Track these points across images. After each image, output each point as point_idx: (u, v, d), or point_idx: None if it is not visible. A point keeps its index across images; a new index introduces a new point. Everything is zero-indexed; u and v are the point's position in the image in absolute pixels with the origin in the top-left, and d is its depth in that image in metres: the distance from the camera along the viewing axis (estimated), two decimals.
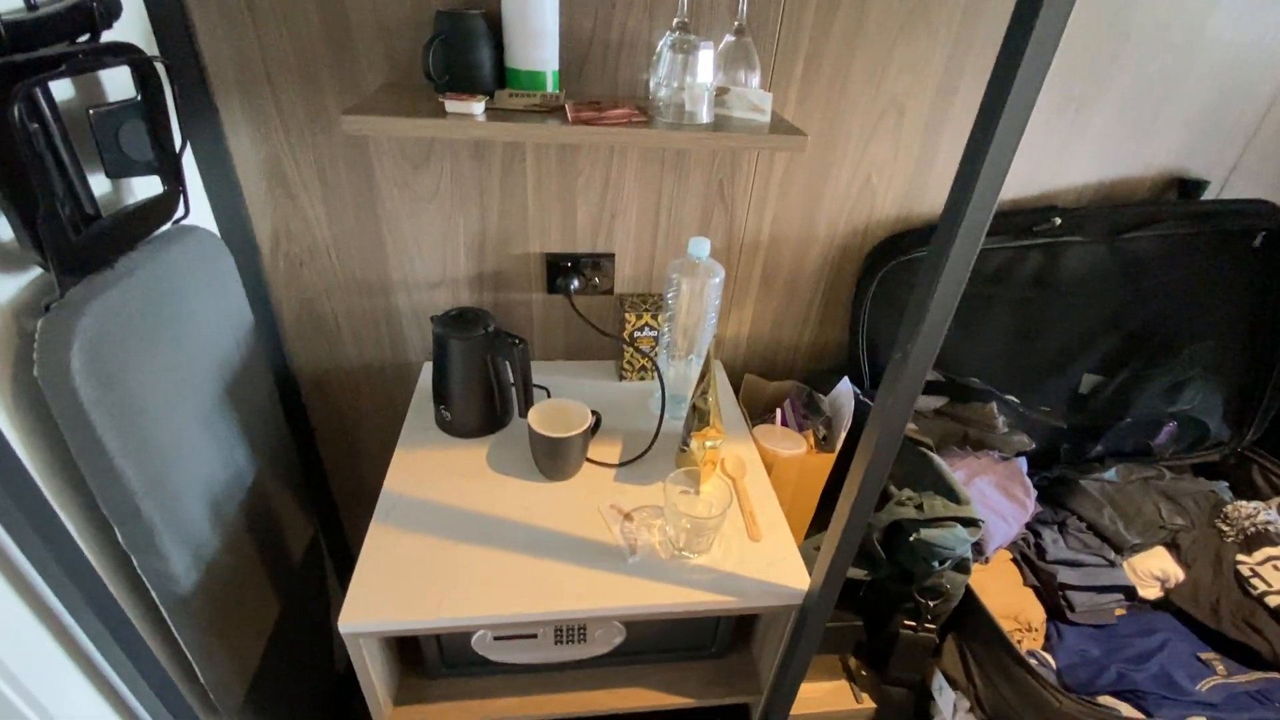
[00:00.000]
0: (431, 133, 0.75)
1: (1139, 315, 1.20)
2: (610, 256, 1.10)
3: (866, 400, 1.10)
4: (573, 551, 0.83)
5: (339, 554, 1.38)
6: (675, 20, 0.87)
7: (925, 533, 0.87)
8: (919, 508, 0.91)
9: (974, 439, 1.21)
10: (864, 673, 1.08)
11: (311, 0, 0.84)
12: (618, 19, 0.89)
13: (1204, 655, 1.00)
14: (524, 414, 0.98)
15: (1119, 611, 1.08)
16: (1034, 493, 1.13)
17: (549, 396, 1.09)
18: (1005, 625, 0.96)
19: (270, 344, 1.07)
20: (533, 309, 1.15)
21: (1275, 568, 1.03)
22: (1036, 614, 1.04)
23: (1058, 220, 1.10)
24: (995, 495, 1.11)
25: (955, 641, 0.99)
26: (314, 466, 1.25)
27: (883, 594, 0.99)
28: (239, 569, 0.87)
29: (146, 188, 0.78)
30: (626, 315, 1.07)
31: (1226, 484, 1.22)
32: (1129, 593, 1.07)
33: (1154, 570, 1.09)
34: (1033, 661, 0.91)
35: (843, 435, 1.05)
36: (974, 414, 1.21)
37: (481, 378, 0.96)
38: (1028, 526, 1.13)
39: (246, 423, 0.91)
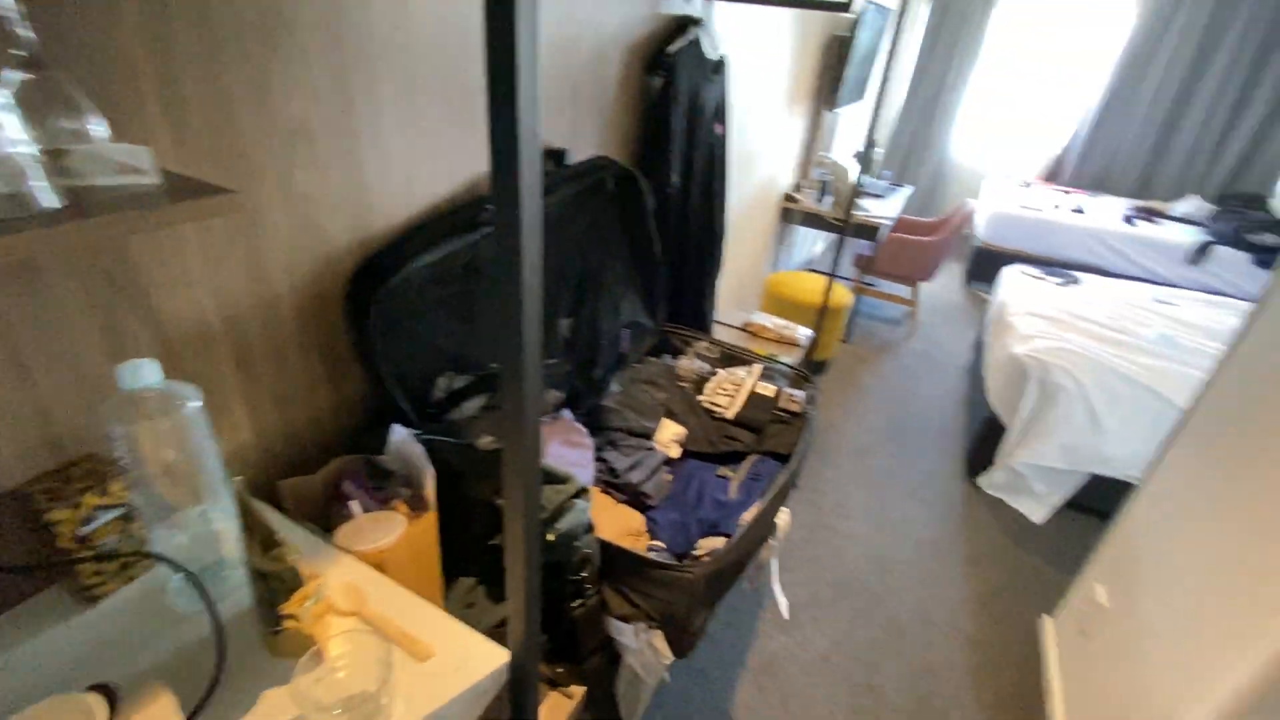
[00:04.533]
0: None
1: (573, 264, 1.48)
2: None
3: (428, 437, 1.03)
4: None
5: None
6: None
7: (559, 525, 0.90)
8: None
9: None
10: (559, 670, 1.09)
11: None
12: None
13: (719, 471, 1.40)
14: None
15: (668, 478, 1.40)
16: (586, 431, 1.31)
17: None
18: (627, 544, 1.12)
19: None
20: None
21: (718, 393, 1.51)
22: (636, 520, 1.25)
23: (489, 208, 1.21)
24: (566, 451, 1.23)
25: (609, 587, 1.10)
26: None
27: (543, 595, 1.00)
28: None
29: None
30: (55, 517, 0.67)
31: (670, 356, 1.69)
32: (668, 461, 1.40)
33: (670, 437, 1.44)
34: (654, 556, 1.10)
35: (430, 484, 0.96)
36: None
37: None
38: (596, 459, 1.32)
39: None
